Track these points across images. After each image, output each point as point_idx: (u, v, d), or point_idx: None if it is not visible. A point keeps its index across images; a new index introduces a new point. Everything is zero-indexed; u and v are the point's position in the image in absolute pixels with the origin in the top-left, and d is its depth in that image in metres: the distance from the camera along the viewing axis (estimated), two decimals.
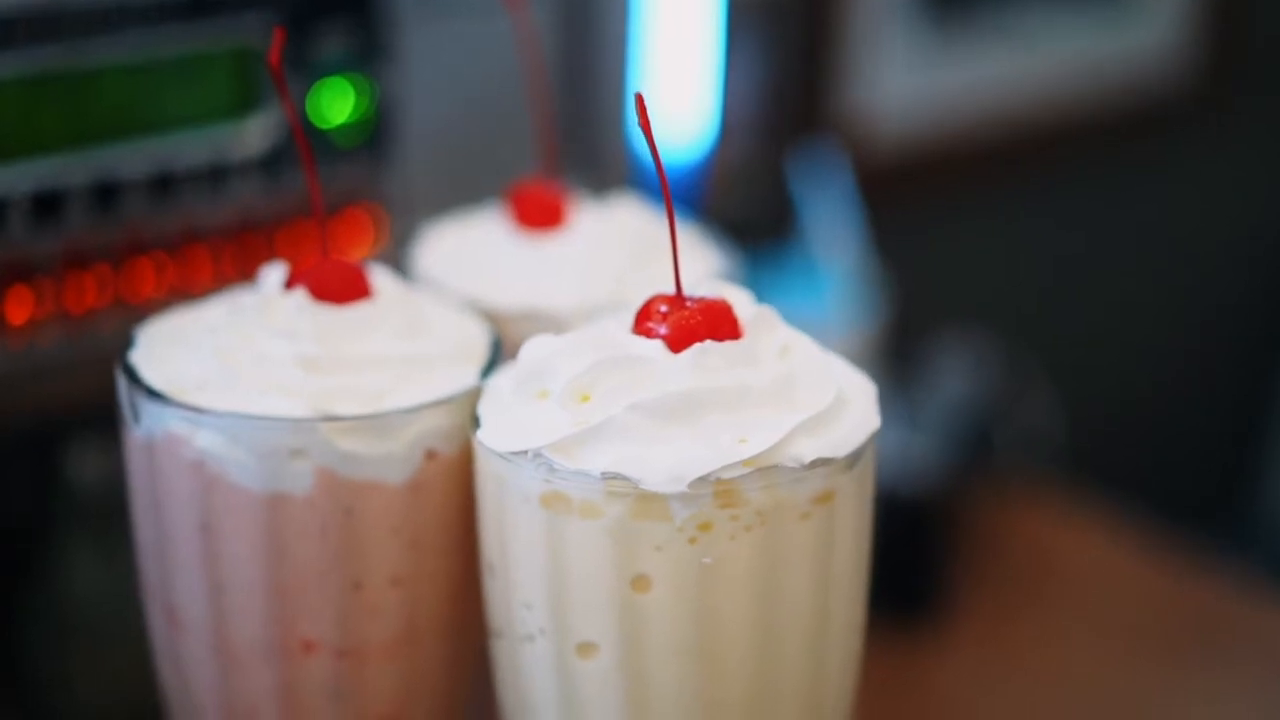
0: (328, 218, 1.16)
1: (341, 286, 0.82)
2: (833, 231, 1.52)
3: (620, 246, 0.93)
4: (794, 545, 0.74)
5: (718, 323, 0.76)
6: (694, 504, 0.72)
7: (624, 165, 1.35)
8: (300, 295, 0.81)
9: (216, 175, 1.10)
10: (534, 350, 0.78)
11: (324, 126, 1.14)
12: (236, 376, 0.79)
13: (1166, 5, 2.14)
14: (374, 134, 1.16)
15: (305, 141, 0.84)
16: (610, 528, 0.73)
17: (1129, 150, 2.21)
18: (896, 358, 1.60)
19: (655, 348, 0.75)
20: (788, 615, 0.75)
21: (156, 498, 0.81)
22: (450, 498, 0.81)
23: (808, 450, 0.73)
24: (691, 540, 0.73)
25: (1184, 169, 2.29)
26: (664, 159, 0.76)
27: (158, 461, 0.80)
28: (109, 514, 1.16)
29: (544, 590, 0.75)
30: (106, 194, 1.06)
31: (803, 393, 0.76)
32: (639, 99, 0.75)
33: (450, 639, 0.84)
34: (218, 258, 1.11)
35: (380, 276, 0.85)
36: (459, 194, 1.20)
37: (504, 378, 0.80)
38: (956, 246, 2.05)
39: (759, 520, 0.73)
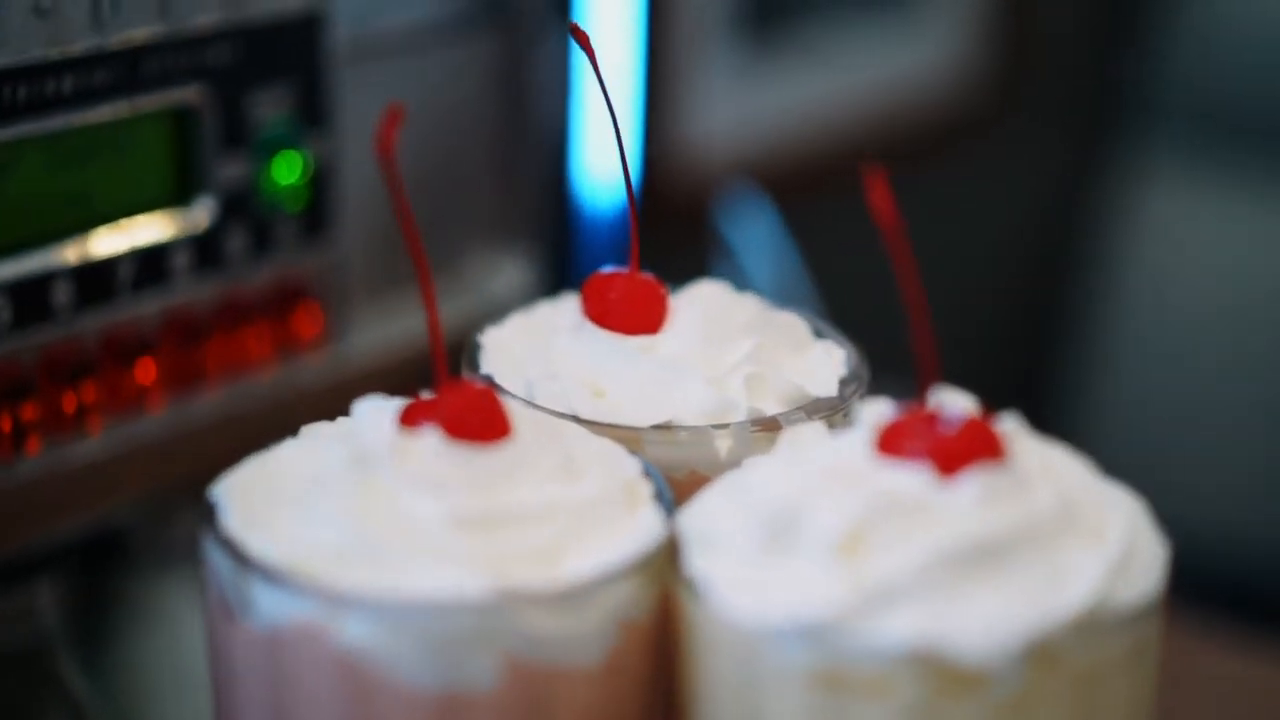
0: (265, 310, 0.99)
1: (480, 421, 0.67)
2: (766, 275, 1.40)
3: (733, 341, 0.79)
4: (1111, 709, 0.62)
5: (982, 442, 0.63)
6: (1012, 673, 0.59)
7: (564, 222, 1.22)
8: (434, 436, 0.66)
9: (151, 267, 0.92)
10: (762, 489, 0.64)
11: (272, 204, 0.97)
12: (378, 544, 0.63)
13: (951, 21, 2.10)
14: (311, 211, 1.00)
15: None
16: (907, 709, 0.59)
17: (931, 163, 2.15)
18: None
19: (921, 478, 0.62)
20: None
21: (282, 703, 0.64)
22: (651, 677, 0.66)
23: (1127, 591, 0.61)
24: (1006, 716, 0.60)
25: (980, 180, 2.25)
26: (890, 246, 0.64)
27: (284, 661, 0.63)
28: (80, 658, 1.00)
29: None
30: (27, 297, 0.87)
31: (1086, 521, 0.64)
32: (875, 176, 0.62)
33: None
34: (160, 362, 0.93)
35: (509, 403, 0.69)
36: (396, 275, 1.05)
37: (711, 522, 0.65)
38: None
39: (1082, 683, 0.60)
